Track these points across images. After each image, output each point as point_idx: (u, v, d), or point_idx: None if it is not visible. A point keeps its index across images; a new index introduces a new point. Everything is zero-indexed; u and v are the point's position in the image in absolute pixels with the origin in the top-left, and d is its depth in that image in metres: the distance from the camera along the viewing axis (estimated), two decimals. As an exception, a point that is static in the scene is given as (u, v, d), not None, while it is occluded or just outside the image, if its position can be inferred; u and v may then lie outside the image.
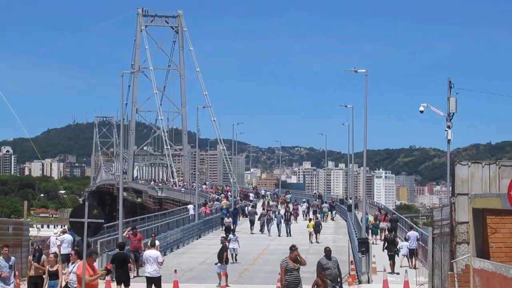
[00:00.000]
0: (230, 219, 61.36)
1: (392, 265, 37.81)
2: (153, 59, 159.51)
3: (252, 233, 63.34)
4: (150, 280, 27.47)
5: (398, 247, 39.42)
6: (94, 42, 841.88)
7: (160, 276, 27.81)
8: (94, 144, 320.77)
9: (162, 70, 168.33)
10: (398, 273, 35.93)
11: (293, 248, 23.74)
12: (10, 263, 22.46)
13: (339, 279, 24.15)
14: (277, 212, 67.57)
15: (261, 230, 63.66)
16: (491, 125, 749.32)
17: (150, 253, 28.46)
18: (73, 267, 21.28)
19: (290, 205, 79.93)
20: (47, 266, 24.18)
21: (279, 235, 60.93)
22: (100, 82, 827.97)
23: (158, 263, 27.84)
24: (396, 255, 38.72)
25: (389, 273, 34.85)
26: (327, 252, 24.30)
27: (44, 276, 24.14)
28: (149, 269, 27.79)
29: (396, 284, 31.58)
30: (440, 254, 24.98)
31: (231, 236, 43.81)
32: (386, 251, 39.18)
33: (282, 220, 63.19)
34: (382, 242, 42.99)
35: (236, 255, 43.34)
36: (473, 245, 22.28)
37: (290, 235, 60.39)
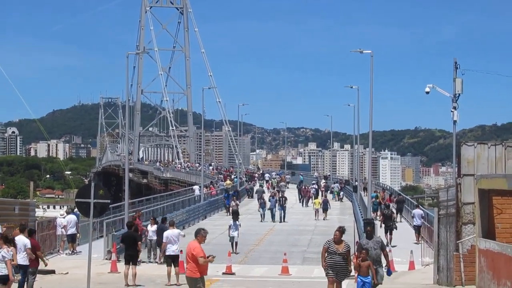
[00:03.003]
0: (238, 202, 59.93)
1: (390, 239, 40.57)
2: (158, 40, 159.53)
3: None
4: (172, 258, 27.73)
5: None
6: (99, 24, 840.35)
7: (179, 255, 28.07)
8: (100, 125, 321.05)
9: (167, 51, 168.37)
10: (395, 246, 38.50)
11: (336, 229, 21.12)
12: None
13: (386, 260, 22.36)
14: (270, 197, 62.82)
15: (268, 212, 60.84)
16: (496, 106, 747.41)
17: (172, 233, 28.77)
18: None
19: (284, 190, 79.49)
20: None
21: (273, 221, 57.35)
22: (105, 63, 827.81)
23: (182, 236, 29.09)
24: (393, 229, 41.51)
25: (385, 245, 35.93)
26: (369, 231, 22.28)
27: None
28: (173, 248, 28.07)
29: (402, 265, 31.67)
30: (446, 234, 25.00)
31: (231, 223, 39.85)
32: (383, 225, 41.93)
33: (277, 205, 59.28)
34: (380, 218, 45.27)
35: (236, 243, 39.34)
36: (478, 226, 22.30)
37: (284, 221, 57.29)
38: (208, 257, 18.29)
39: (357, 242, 23.19)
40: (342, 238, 20.78)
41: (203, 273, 18.37)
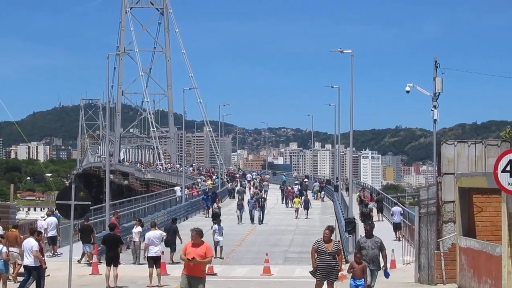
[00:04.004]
0: (219, 204, 58.75)
1: None
2: (138, 41, 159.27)
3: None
4: (154, 259, 27.70)
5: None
6: (79, 24, 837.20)
7: (160, 256, 28.08)
8: (80, 127, 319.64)
9: (147, 52, 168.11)
10: None
11: (325, 228, 20.96)
12: None
13: (384, 261, 21.70)
14: (249, 198, 60.59)
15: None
16: (477, 105, 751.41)
17: (154, 234, 28.84)
18: None
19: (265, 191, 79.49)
20: None
21: (251, 223, 55.27)
22: (85, 65, 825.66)
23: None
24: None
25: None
26: (367, 230, 21.98)
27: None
28: (154, 249, 28.09)
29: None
30: (427, 233, 25.08)
31: (215, 226, 38.07)
32: (362, 224, 41.66)
33: (255, 207, 57.14)
34: (359, 216, 45.80)
35: (221, 248, 37.72)
36: (459, 224, 22.39)
37: (263, 223, 55.53)
38: (192, 258, 18.27)
39: (338, 241, 22.90)
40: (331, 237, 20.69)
41: (187, 272, 18.37)
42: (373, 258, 21.06)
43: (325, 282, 20.51)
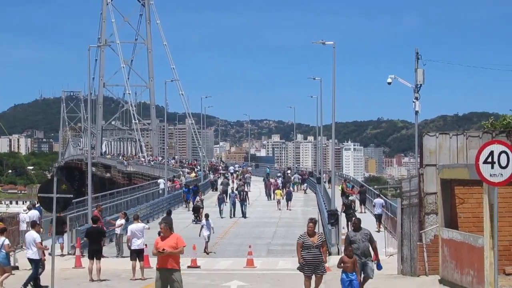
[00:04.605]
0: (202, 197, 56.98)
1: (349, 225, 40.91)
2: (120, 33, 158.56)
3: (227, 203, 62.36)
4: (137, 252, 27.65)
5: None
6: (60, 16, 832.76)
7: (143, 248, 28.05)
8: (62, 119, 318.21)
9: (129, 44, 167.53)
10: None
11: (308, 221, 20.92)
12: None
13: (375, 254, 21.41)
14: (230, 191, 59.84)
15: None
16: (458, 97, 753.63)
17: (137, 227, 28.75)
18: None
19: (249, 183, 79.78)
20: None
21: (230, 217, 54.55)
22: (66, 57, 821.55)
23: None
24: (353, 217, 41.85)
25: (346, 232, 37.37)
26: (355, 224, 21.83)
27: None
28: (137, 242, 27.99)
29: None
30: (409, 224, 25.17)
31: (203, 221, 37.86)
32: (344, 214, 42.69)
33: (237, 200, 56.39)
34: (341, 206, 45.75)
35: (206, 243, 37.13)
36: (441, 216, 22.48)
37: (245, 217, 54.82)
38: (163, 250, 18.29)
39: (320, 232, 22.89)
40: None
41: (160, 265, 18.40)
42: (365, 250, 20.91)
43: (313, 276, 20.47)
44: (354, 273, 19.83)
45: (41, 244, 24.15)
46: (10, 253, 25.37)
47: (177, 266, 18.46)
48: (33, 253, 23.96)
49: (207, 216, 38.36)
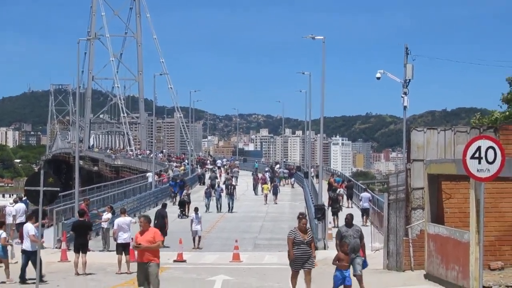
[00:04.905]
0: (189, 192, 55.94)
1: (335, 220, 42.77)
2: (109, 26, 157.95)
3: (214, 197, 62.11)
4: (123, 246, 27.56)
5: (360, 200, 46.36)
6: (50, 9, 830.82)
7: (130, 242, 28.03)
8: (50, 112, 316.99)
9: (118, 38, 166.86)
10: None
11: (300, 217, 20.88)
12: None
13: (362, 251, 21.14)
14: (217, 186, 59.10)
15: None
16: (447, 92, 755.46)
17: (124, 221, 28.77)
18: None
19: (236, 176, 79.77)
20: None
21: (218, 211, 54.39)
22: (55, 50, 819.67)
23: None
24: (339, 211, 44.12)
25: (333, 226, 39.22)
26: (347, 219, 21.57)
27: None
28: (124, 236, 27.97)
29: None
30: (396, 219, 25.19)
31: (193, 216, 37.51)
32: (330, 208, 43.67)
33: (223, 194, 56.38)
34: (327, 201, 46.33)
35: (199, 238, 37.16)
36: (428, 211, 22.50)
37: (233, 211, 54.76)
38: (139, 244, 18.36)
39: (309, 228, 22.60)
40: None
41: (138, 260, 18.48)
42: (355, 247, 20.74)
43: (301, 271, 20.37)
44: (348, 270, 19.78)
45: (34, 236, 24.12)
46: (8, 246, 25.55)
47: (155, 260, 18.45)
48: (28, 245, 24.15)
49: (196, 209, 38.08)
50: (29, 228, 24.29)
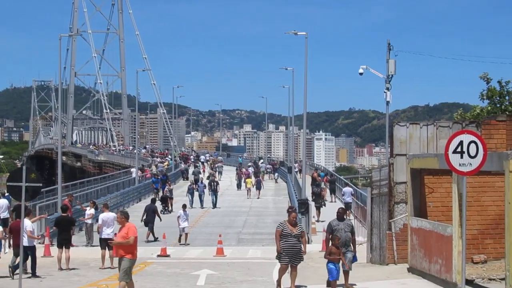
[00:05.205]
0: (171, 187, 54.97)
1: (318, 214, 43.21)
2: (91, 22, 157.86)
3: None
4: (106, 241, 27.55)
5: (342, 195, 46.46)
6: (31, 5, 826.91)
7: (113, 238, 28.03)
8: (32, 109, 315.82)
9: (101, 34, 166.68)
10: (323, 221, 39.30)
11: (290, 210, 21.01)
12: None
13: (352, 246, 21.11)
14: (200, 182, 58.10)
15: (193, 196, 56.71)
16: (429, 87, 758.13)
17: (108, 216, 28.78)
18: None
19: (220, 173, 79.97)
20: None
21: (201, 207, 53.77)
22: (38, 46, 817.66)
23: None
24: (321, 206, 44.54)
25: (316, 221, 40.28)
26: (339, 213, 21.35)
27: None
28: (108, 231, 28.06)
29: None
30: (379, 213, 25.26)
31: (180, 212, 36.44)
32: (313, 203, 43.51)
33: (205, 190, 55.61)
34: (311, 196, 46.33)
35: (186, 235, 36.22)
36: (410, 205, 22.57)
37: (216, 207, 54.00)
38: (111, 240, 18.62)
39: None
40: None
41: (114, 255, 18.69)
42: (346, 241, 20.70)
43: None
44: (339, 264, 19.72)
45: (31, 232, 24.71)
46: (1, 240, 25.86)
47: (127, 255, 18.57)
48: (26, 241, 24.37)
49: (184, 206, 37.60)
50: (27, 224, 24.51)
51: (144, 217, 37.84)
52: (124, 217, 19.08)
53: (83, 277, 24.69)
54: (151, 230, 37.01)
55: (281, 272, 20.26)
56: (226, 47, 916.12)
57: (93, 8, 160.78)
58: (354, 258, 21.13)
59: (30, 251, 24.56)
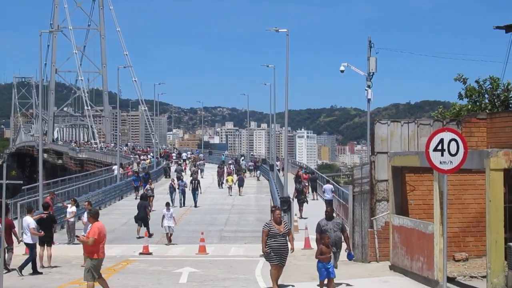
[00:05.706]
0: (152, 186, 54.58)
1: (301, 210, 44.01)
2: (72, 19, 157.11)
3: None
4: None
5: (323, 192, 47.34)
6: (11, 1, 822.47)
7: None
8: (13, 105, 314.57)
9: (82, 30, 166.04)
10: (306, 218, 40.93)
11: (273, 209, 20.98)
12: None
13: (346, 243, 21.15)
14: (180, 180, 57.23)
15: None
16: (411, 85, 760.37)
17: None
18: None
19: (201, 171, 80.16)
20: None
21: (180, 206, 52.95)
22: (18, 42, 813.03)
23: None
24: (304, 202, 45.26)
25: (299, 218, 40.82)
26: (327, 212, 21.27)
27: None
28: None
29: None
30: (361, 211, 25.35)
31: (165, 211, 35.63)
32: (296, 199, 44.44)
33: (186, 189, 54.58)
34: (293, 193, 46.37)
35: (171, 234, 35.37)
36: (392, 203, 22.66)
37: (197, 206, 53.08)
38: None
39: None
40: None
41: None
42: (336, 240, 20.61)
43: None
44: (330, 263, 19.37)
45: (34, 230, 25.21)
46: None
47: (90, 255, 18.61)
48: (28, 238, 25.07)
49: (168, 205, 37.06)
50: (30, 221, 25.20)
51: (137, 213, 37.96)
52: (91, 216, 19.01)
53: (65, 275, 24.64)
54: (146, 226, 36.77)
55: (274, 274, 19.91)
56: (207, 44, 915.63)
57: (74, 4, 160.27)
58: (350, 255, 21.14)
59: (29, 247, 25.19)
